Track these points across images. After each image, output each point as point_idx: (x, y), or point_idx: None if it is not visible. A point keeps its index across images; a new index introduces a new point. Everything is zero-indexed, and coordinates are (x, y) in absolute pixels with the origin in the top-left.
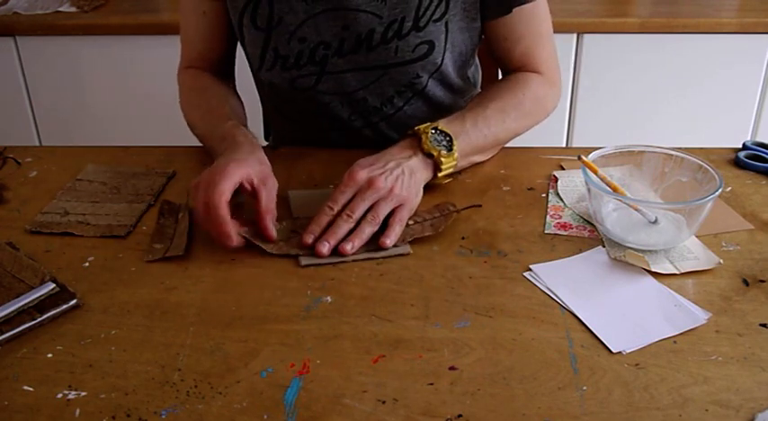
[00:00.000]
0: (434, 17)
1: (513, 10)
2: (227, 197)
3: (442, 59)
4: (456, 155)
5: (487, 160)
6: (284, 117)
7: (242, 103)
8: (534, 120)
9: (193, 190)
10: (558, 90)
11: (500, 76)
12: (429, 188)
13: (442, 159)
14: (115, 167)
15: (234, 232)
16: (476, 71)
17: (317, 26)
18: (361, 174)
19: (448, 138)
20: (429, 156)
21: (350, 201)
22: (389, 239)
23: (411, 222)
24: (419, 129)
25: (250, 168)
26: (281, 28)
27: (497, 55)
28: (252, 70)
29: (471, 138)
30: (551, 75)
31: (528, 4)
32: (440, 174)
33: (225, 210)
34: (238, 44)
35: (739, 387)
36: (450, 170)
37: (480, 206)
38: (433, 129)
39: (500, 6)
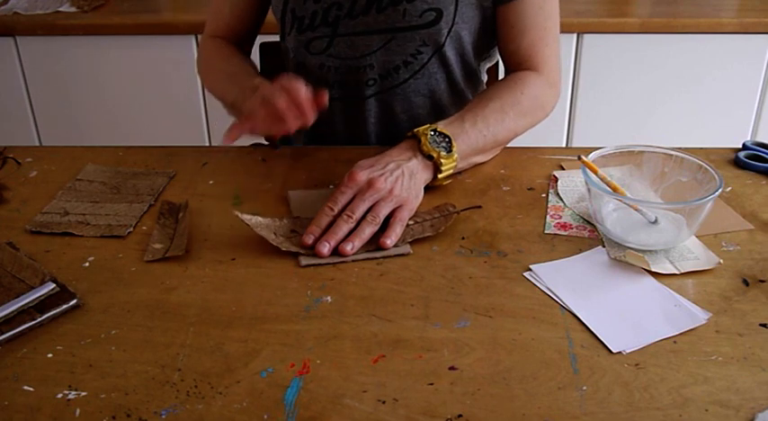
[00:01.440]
0: None
1: None
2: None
3: (449, 32)
4: (456, 156)
5: (487, 160)
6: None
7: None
8: (533, 119)
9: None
10: (557, 91)
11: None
12: (429, 188)
13: (442, 160)
14: (115, 167)
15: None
16: (482, 77)
17: None
18: (362, 175)
19: (447, 140)
20: (429, 157)
21: (350, 201)
22: (390, 239)
23: (411, 222)
24: (418, 131)
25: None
26: None
27: (503, 45)
28: (281, 41)
29: (471, 138)
30: (551, 75)
31: None
32: (440, 176)
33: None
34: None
35: (739, 387)
36: (451, 171)
37: (480, 207)
38: (432, 130)
39: None
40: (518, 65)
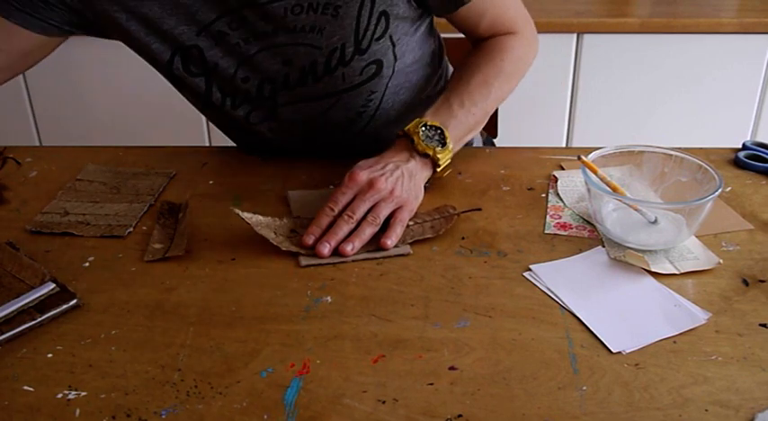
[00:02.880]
0: (376, 36)
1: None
2: None
3: (393, 70)
4: (451, 146)
5: (487, 160)
6: (239, 136)
7: None
8: (518, 80)
9: None
10: (536, 45)
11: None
12: (429, 187)
13: (438, 155)
14: (115, 167)
15: None
16: (438, 47)
17: (257, 66)
18: (362, 176)
19: (440, 132)
20: (425, 155)
21: (350, 202)
22: (390, 240)
23: (411, 223)
24: (409, 130)
25: None
26: (219, 71)
27: (464, 32)
28: (195, 106)
29: (461, 121)
30: (524, 30)
31: None
32: (438, 170)
33: None
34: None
35: (739, 387)
36: (448, 161)
37: (480, 210)
38: (422, 126)
39: (445, 7)
40: (489, 38)
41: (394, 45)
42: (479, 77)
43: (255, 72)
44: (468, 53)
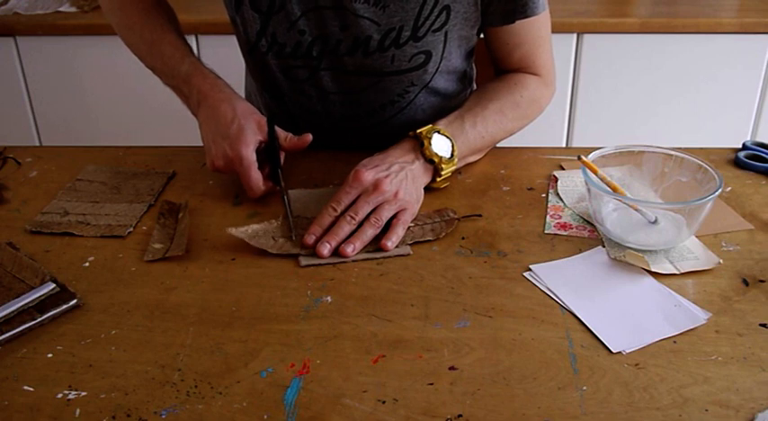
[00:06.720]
0: (434, 27)
1: (517, 21)
2: (254, 148)
3: (437, 69)
4: (456, 160)
5: (487, 160)
6: (271, 96)
7: (174, 14)
8: (529, 120)
9: (213, 147)
10: (552, 90)
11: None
12: (428, 188)
13: (443, 166)
14: (115, 167)
15: (261, 180)
16: (471, 73)
17: (318, 21)
18: (367, 176)
19: (449, 143)
20: (430, 162)
21: (353, 202)
22: (391, 242)
23: (412, 225)
24: (421, 134)
25: (256, 115)
26: (282, 15)
27: (496, 55)
28: (242, 48)
29: (470, 139)
30: (547, 76)
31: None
32: (438, 180)
33: (253, 160)
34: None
35: (739, 387)
36: (449, 175)
37: (481, 216)
38: (435, 133)
39: (503, 17)
40: (514, 71)
41: (446, 41)
42: (496, 105)
43: (314, 27)
44: (490, 79)
